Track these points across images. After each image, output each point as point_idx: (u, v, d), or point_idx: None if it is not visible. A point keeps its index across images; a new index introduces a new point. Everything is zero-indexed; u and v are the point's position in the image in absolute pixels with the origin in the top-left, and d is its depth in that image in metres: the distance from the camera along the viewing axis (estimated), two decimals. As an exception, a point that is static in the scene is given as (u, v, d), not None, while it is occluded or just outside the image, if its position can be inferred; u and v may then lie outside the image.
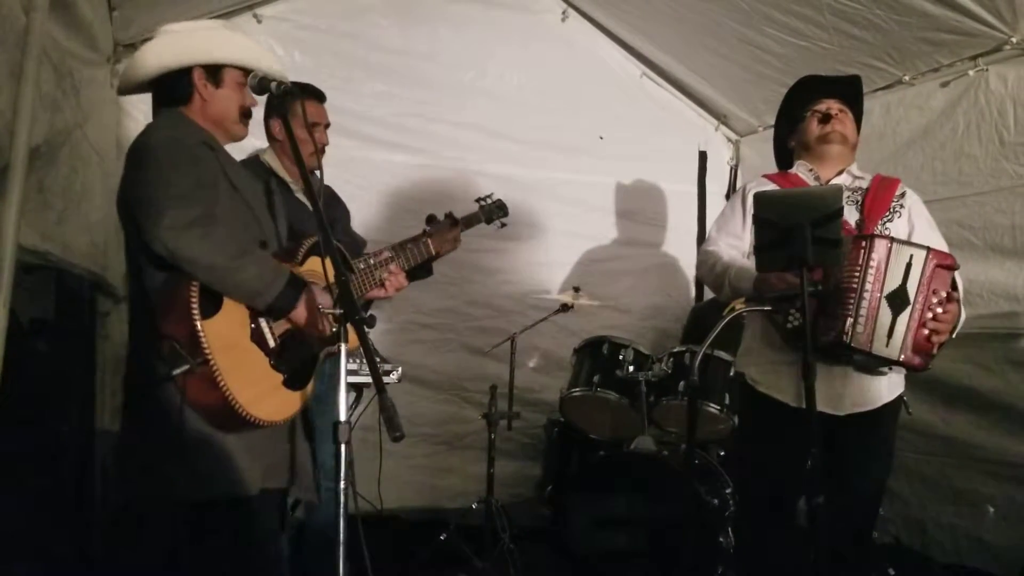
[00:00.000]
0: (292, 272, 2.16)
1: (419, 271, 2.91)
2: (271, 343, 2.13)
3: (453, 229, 2.94)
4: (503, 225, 3.22)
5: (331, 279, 2.21)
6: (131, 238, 2.15)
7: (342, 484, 1.86)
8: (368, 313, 2.01)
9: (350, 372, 2.07)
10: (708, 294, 4.80)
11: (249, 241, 2.17)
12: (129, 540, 2.17)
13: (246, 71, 2.23)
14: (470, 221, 3.08)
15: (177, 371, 1.95)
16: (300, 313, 2.12)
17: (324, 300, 2.16)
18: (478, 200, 3.17)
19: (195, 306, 1.97)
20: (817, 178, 2.75)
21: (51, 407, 3.09)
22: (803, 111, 2.81)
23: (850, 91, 2.87)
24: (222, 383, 1.97)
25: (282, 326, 2.16)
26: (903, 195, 2.75)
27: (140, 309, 2.16)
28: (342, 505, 1.85)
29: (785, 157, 2.94)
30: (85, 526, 3.29)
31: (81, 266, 2.99)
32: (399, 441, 1.81)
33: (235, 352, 2.04)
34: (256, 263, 2.08)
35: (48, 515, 2.99)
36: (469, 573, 3.74)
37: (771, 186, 2.79)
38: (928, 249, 2.45)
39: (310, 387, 2.22)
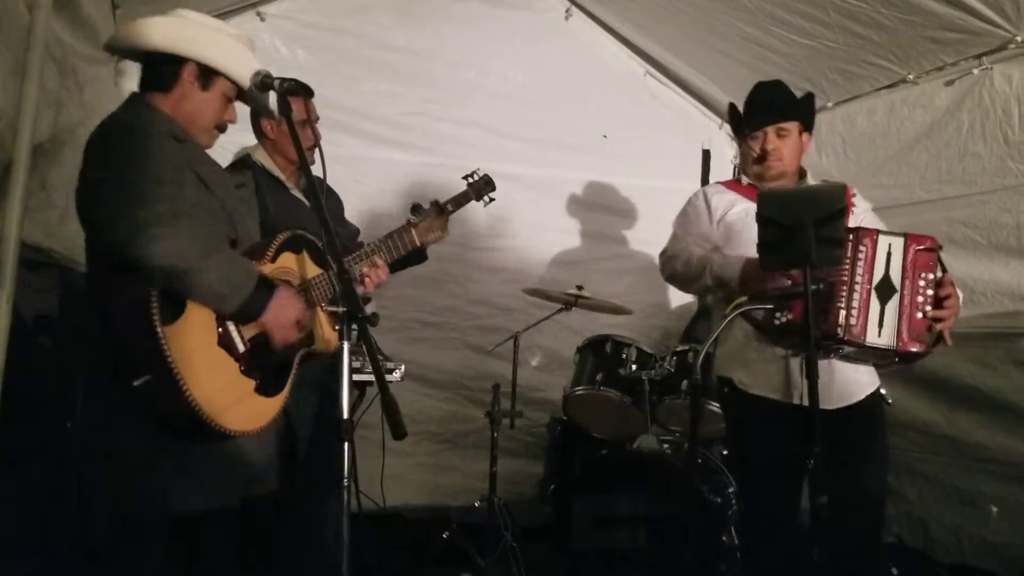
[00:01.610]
0: (262, 274, 2.06)
1: (411, 258, 2.88)
2: (240, 347, 2.02)
3: (439, 218, 2.85)
4: (491, 200, 3.17)
5: (308, 276, 2.16)
6: (89, 236, 2.06)
7: (345, 482, 1.85)
8: (371, 311, 1.99)
9: (353, 370, 2.04)
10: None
11: (217, 240, 2.05)
12: (128, 550, 2.10)
13: (239, 88, 2.17)
14: (460, 201, 3.04)
15: (138, 382, 1.84)
16: (269, 318, 2.03)
17: (298, 303, 2.10)
18: (465, 177, 3.13)
19: (155, 311, 1.85)
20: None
21: (55, 404, 3.09)
22: (748, 130, 2.80)
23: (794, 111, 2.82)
24: (188, 394, 1.85)
25: (253, 329, 2.06)
26: (854, 195, 2.78)
27: (100, 315, 2.03)
28: (345, 503, 1.85)
29: None
30: (88, 524, 3.29)
31: (84, 263, 2.99)
32: (402, 439, 1.81)
33: (200, 359, 1.92)
34: (221, 265, 1.96)
35: (51, 512, 2.99)
36: (471, 571, 3.74)
37: (730, 194, 2.83)
38: (905, 236, 2.46)
39: (285, 392, 2.12)
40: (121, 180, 1.91)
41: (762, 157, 2.77)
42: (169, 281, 1.89)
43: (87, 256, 2.12)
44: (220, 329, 1.99)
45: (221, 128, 2.23)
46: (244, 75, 2.11)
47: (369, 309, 2.43)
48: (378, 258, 2.61)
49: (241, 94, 2.22)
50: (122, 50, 2.22)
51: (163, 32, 2.12)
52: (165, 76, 2.13)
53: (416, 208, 2.89)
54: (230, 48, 2.16)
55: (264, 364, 2.06)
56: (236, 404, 1.97)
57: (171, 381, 1.84)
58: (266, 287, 2.04)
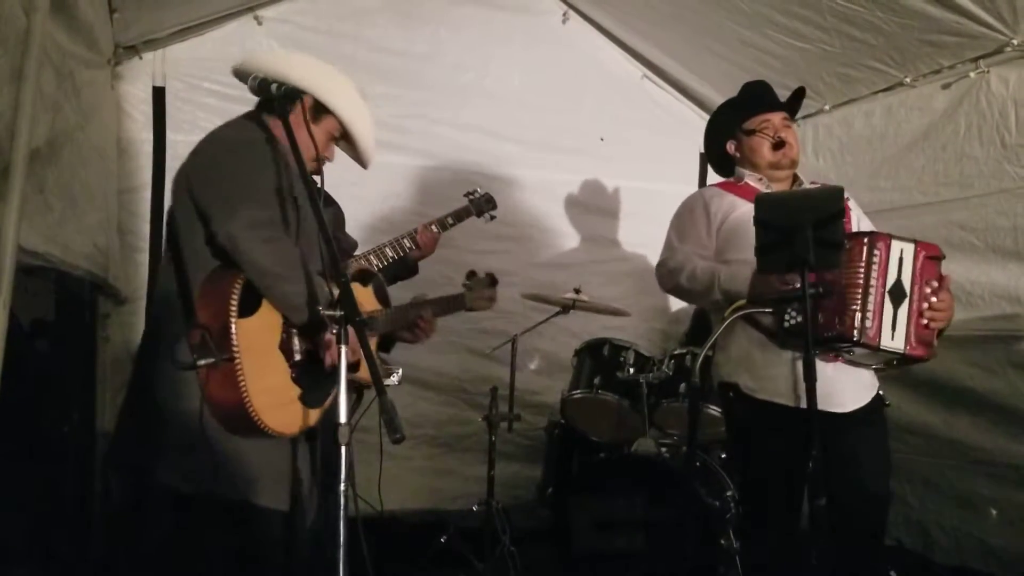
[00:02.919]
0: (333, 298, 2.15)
1: (403, 271, 2.94)
2: (296, 356, 2.14)
3: (491, 288, 3.03)
4: (493, 218, 3.24)
5: (367, 310, 2.25)
6: (186, 219, 2.17)
7: (342, 486, 1.85)
8: (368, 315, 2.00)
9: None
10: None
11: (302, 257, 2.17)
12: (129, 540, 2.16)
13: (345, 133, 2.33)
14: (460, 215, 3.12)
15: (202, 362, 1.96)
16: (328, 339, 2.10)
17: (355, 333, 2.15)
18: (467, 194, 3.19)
19: (235, 302, 1.99)
20: (768, 188, 2.78)
21: (52, 409, 3.09)
22: (749, 122, 2.83)
23: (792, 104, 2.92)
24: (242, 383, 1.97)
25: (309, 343, 2.17)
26: (847, 199, 2.77)
27: (173, 294, 2.17)
28: (342, 507, 1.84)
29: (723, 162, 2.97)
30: (86, 527, 3.29)
31: (82, 268, 2.99)
32: (399, 443, 1.81)
33: (261, 356, 2.05)
34: (304, 279, 2.09)
35: (49, 516, 2.99)
36: (469, 575, 3.74)
37: (729, 196, 2.81)
38: (915, 242, 2.46)
39: (321, 409, 2.20)
40: (243, 181, 2.10)
41: (781, 143, 2.77)
42: (259, 279, 2.03)
43: (172, 235, 2.24)
44: (284, 334, 2.12)
45: (318, 163, 2.35)
46: (354, 118, 2.32)
47: (395, 378, 2.57)
48: (429, 312, 2.73)
49: (344, 137, 2.39)
50: (243, 76, 2.32)
51: (295, 65, 2.30)
52: (283, 103, 2.22)
53: (471, 274, 3.09)
54: (345, 93, 2.34)
55: (312, 377, 2.15)
56: (280, 406, 2.08)
57: (231, 369, 1.97)
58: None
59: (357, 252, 3.18)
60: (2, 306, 2.07)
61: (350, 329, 1.93)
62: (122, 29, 3.66)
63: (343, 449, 1.85)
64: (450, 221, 3.06)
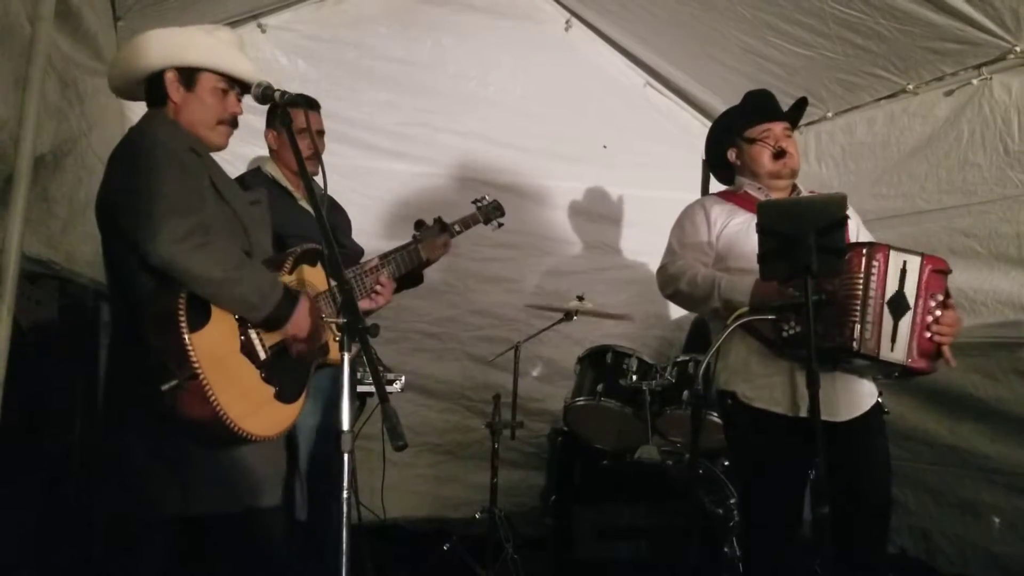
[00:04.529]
0: (287, 283, 2.13)
1: (408, 280, 2.91)
2: (262, 355, 2.08)
3: (443, 235, 2.91)
4: (500, 225, 3.22)
5: (329, 286, 2.19)
6: (114, 243, 2.11)
7: (345, 493, 1.85)
8: (371, 322, 1.99)
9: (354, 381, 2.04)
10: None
11: (240, 252, 2.11)
12: (128, 552, 2.12)
13: (227, 78, 2.19)
14: (467, 222, 3.09)
15: (166, 387, 1.89)
16: (295, 325, 2.08)
17: (317, 313, 2.13)
18: (474, 202, 3.18)
19: (183, 318, 1.92)
20: (768, 197, 2.78)
21: (55, 416, 3.09)
22: (751, 131, 2.82)
23: (794, 113, 2.91)
24: (212, 398, 1.91)
25: (274, 337, 2.11)
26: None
27: (124, 320, 2.10)
28: (345, 515, 1.84)
29: (724, 169, 2.96)
30: (89, 535, 3.28)
31: (85, 275, 2.99)
32: (402, 450, 1.81)
33: (225, 365, 1.98)
34: (252, 275, 2.03)
35: (52, 524, 2.98)
36: (472, 583, 3.73)
37: (728, 205, 2.81)
38: (922, 255, 2.46)
39: (302, 400, 2.16)
40: (157, 192, 1.97)
41: (782, 152, 2.77)
42: (204, 289, 1.96)
43: (107, 260, 2.17)
44: (243, 337, 2.05)
45: (228, 123, 2.25)
46: (222, 62, 2.17)
47: (368, 322, 2.45)
48: (385, 275, 2.63)
49: (240, 81, 2.23)
50: (122, 92, 2.30)
51: (130, 57, 2.20)
52: (156, 91, 2.19)
53: (419, 224, 2.94)
54: (199, 42, 2.19)
55: (283, 372, 2.11)
56: (258, 410, 2.03)
57: (198, 386, 1.91)
58: (291, 297, 2.10)
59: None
60: (6, 313, 2.08)
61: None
62: (126, 37, 3.67)
63: (345, 457, 1.85)
64: (457, 228, 3.04)
